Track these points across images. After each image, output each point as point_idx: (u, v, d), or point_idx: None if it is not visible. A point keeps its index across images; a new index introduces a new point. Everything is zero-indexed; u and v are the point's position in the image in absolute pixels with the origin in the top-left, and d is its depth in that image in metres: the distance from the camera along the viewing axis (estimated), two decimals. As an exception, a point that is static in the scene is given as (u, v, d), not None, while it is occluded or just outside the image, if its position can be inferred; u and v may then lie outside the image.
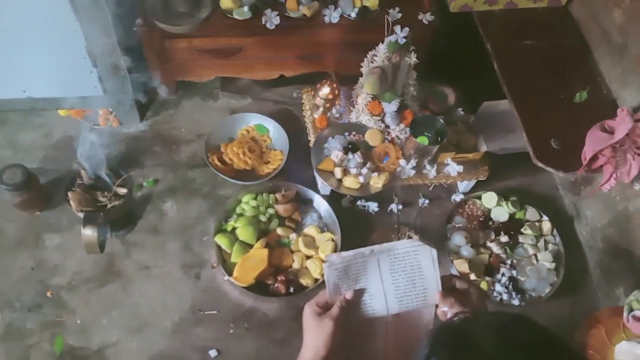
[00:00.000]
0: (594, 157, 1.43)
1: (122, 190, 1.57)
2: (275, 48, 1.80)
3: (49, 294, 1.53)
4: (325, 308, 0.93)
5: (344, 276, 0.95)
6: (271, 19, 1.70)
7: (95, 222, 1.44)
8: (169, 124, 1.92)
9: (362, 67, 1.66)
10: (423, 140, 1.59)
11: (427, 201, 1.78)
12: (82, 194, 1.52)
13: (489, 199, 1.75)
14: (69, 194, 1.52)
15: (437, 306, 0.93)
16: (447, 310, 0.90)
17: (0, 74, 1.67)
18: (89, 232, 1.43)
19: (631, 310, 1.28)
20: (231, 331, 1.51)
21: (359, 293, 0.95)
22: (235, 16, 1.72)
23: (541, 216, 1.74)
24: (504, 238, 1.67)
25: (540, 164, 1.47)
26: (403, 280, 0.95)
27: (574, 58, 1.69)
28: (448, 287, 0.93)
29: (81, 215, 1.49)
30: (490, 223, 1.72)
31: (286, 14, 1.73)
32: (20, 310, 1.50)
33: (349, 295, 0.93)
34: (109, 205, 1.54)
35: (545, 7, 1.81)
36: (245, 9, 1.71)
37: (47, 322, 1.49)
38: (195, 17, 1.70)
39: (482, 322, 0.67)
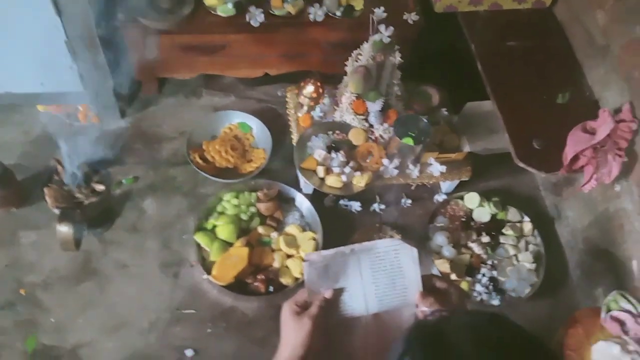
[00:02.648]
0: (575, 158, 1.44)
1: (100, 187, 1.54)
2: (259, 46, 1.78)
3: (22, 292, 1.49)
4: (304, 307, 0.92)
5: (324, 275, 0.94)
6: (255, 16, 1.69)
7: (71, 218, 1.41)
8: (151, 121, 1.89)
9: (346, 66, 1.66)
10: (408, 140, 1.59)
11: (409, 201, 1.78)
12: (58, 190, 1.48)
13: (471, 199, 1.75)
14: (45, 189, 1.49)
15: (417, 306, 0.93)
16: (427, 310, 0.89)
17: (-23, 69, 1.63)
18: (65, 229, 1.40)
19: (609, 310, 1.29)
20: (209, 330, 1.48)
21: (339, 292, 0.94)
22: (219, 13, 1.70)
23: (522, 217, 1.75)
24: (485, 238, 1.67)
25: (521, 164, 1.47)
26: (383, 279, 0.94)
27: (558, 59, 1.70)
28: (428, 286, 0.93)
29: (57, 211, 1.45)
30: (472, 223, 1.72)
31: (271, 12, 1.72)
32: (-7, 308, 1.46)
33: (328, 294, 0.92)
34: (86, 202, 1.51)
35: (529, 8, 1.82)
36: (229, 5, 1.69)
37: (20, 320, 1.45)
38: (178, 14, 1.68)
39: (457, 321, 0.67)
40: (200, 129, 1.82)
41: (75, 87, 1.72)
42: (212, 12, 1.70)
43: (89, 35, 1.57)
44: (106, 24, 1.62)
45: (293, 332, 0.89)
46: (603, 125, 1.41)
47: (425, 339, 0.63)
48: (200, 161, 1.74)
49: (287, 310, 0.92)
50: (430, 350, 0.61)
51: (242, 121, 1.87)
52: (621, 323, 1.25)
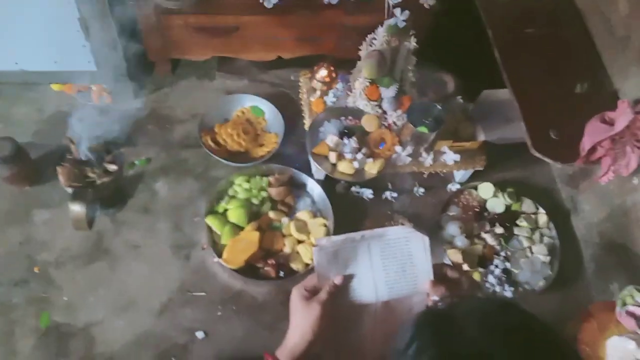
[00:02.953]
0: (593, 149, 1.41)
1: (112, 167, 1.54)
2: (273, 28, 1.76)
3: (36, 269, 1.51)
4: (313, 292, 0.92)
5: (334, 260, 0.93)
6: (270, -2, 1.66)
7: (84, 198, 1.42)
8: (164, 103, 1.89)
9: (360, 50, 1.63)
10: (421, 128, 1.57)
11: (422, 189, 1.76)
12: (71, 169, 1.49)
13: (485, 189, 1.73)
14: (58, 168, 1.49)
15: (428, 294, 0.92)
16: (437, 299, 0.88)
17: (-9, 45, 1.64)
18: (77, 208, 1.40)
19: (624, 305, 1.27)
20: (219, 313, 1.49)
21: (348, 278, 0.94)
22: (233, -6, 1.68)
23: (537, 209, 1.72)
24: (499, 229, 1.65)
25: (537, 154, 1.45)
26: (393, 267, 0.94)
27: (576, 48, 1.66)
28: (439, 275, 0.92)
29: (70, 190, 1.46)
30: (486, 214, 1.70)
31: (285, -7, 1.69)
32: (7, 284, 1.48)
33: (337, 280, 0.92)
34: (99, 182, 1.51)
35: (549, -5, 1.77)
36: (244, -14, 1.67)
37: (33, 297, 1.47)
38: (192, -6, 1.66)
39: (467, 307, 0.66)
40: (212, 112, 1.82)
41: (89, 66, 1.72)
42: (227, -7, 1.68)
43: (102, 13, 1.56)
44: (119, 2, 1.62)
45: (302, 317, 0.89)
46: (622, 116, 1.37)
47: (434, 323, 0.63)
48: (212, 144, 1.74)
49: (296, 295, 0.92)
50: (439, 334, 0.61)
51: (254, 105, 1.86)
52: (636, 318, 1.23)
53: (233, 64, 1.97)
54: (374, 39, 1.58)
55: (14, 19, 1.54)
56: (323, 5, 1.70)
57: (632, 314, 1.25)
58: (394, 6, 1.51)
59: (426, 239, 0.92)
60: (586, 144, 1.40)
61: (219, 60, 1.96)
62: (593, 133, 1.39)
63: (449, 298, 0.84)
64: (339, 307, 0.91)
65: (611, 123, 1.39)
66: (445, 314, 0.66)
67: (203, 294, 1.52)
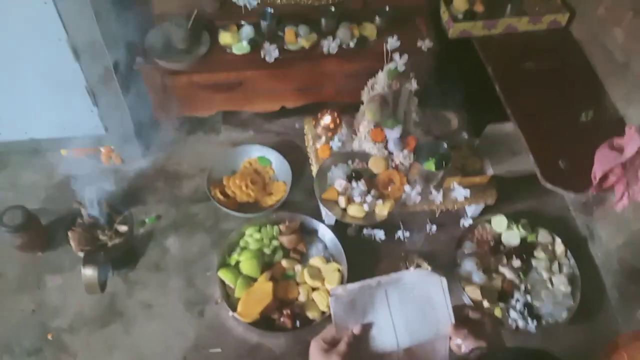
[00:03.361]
0: (605, 176, 1.40)
1: (123, 228, 1.55)
2: (275, 81, 1.80)
3: (49, 336, 1.49)
4: (332, 344, 0.89)
5: (351, 310, 0.91)
6: (270, 53, 1.71)
7: (96, 261, 1.41)
8: (171, 160, 1.91)
9: (362, 95, 1.65)
10: (429, 166, 1.57)
11: (435, 227, 1.74)
12: (82, 233, 1.49)
13: (498, 222, 1.71)
14: (69, 233, 1.50)
15: (450, 338, 0.89)
16: (461, 343, 0.85)
17: (1, 117, 1.67)
18: (90, 272, 1.40)
19: (654, 334, 1.22)
20: (237, 369, 1.46)
21: (368, 327, 0.91)
22: (234, 51, 1.72)
23: (554, 239, 1.69)
24: (516, 262, 1.62)
25: (548, 186, 1.44)
26: (412, 311, 0.91)
27: (578, 78, 1.68)
28: (461, 317, 0.89)
29: (82, 254, 1.46)
30: (502, 247, 1.67)
31: (285, 47, 1.73)
32: (20, 355, 1.46)
33: (356, 330, 0.89)
34: (110, 244, 1.51)
35: (545, 29, 1.81)
36: (244, 43, 1.72)
37: (47, 366, 1.44)
38: (194, 54, 1.71)
39: (501, 357, 0.64)
40: (220, 165, 1.83)
41: (97, 130, 1.75)
42: (228, 50, 1.73)
43: (108, 79, 1.61)
44: (124, 67, 1.66)
45: (322, 371, 0.86)
46: (631, 142, 1.37)
47: None
48: (221, 197, 1.74)
49: (315, 348, 0.89)
50: None
51: (261, 155, 1.87)
52: (668, 347, 1.18)
53: (238, 117, 2.01)
54: (375, 83, 1.60)
55: (23, 89, 1.59)
56: (322, 55, 1.75)
57: (664, 344, 1.20)
58: (393, 51, 1.54)
59: (444, 280, 0.90)
60: (597, 171, 1.39)
61: (224, 114, 1.99)
62: (603, 160, 1.39)
63: (478, 349, 0.81)
64: (360, 357, 0.88)
65: (620, 150, 1.38)
66: None
67: (219, 350, 1.48)
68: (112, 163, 1.86)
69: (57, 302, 1.55)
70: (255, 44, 1.72)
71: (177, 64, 1.69)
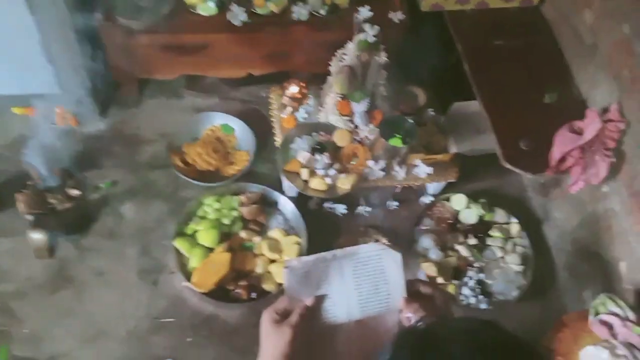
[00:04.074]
0: (563, 159, 1.42)
1: (75, 192, 1.49)
2: (242, 46, 1.74)
3: (-5, 302, 1.44)
4: (284, 315, 0.89)
5: (305, 282, 0.90)
6: (237, 16, 1.65)
7: (45, 225, 1.36)
8: (131, 124, 1.84)
9: (331, 66, 1.62)
10: (394, 141, 1.56)
11: (395, 203, 1.74)
12: (30, 196, 1.43)
13: (458, 201, 1.72)
14: (17, 195, 1.43)
15: (401, 311, 0.90)
16: (411, 316, 0.86)
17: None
18: (38, 236, 1.35)
19: (597, 313, 1.26)
20: (190, 339, 1.44)
21: (320, 299, 0.91)
22: (199, 12, 1.66)
23: (510, 218, 1.73)
24: (472, 241, 1.65)
25: (508, 166, 1.45)
26: (366, 285, 0.92)
27: (545, 58, 1.68)
28: (413, 292, 0.90)
29: (30, 218, 1.40)
30: (459, 225, 1.69)
31: (253, 10, 1.68)
32: (-37, 319, 1.41)
33: (309, 301, 0.89)
34: (60, 208, 1.46)
35: (517, 7, 1.80)
36: (211, 4, 1.65)
37: (-9, 331, 1.40)
38: (157, 12, 1.64)
39: (449, 326, 0.65)
40: (181, 131, 1.78)
41: (52, 88, 1.67)
42: (193, 10, 1.66)
43: (64, 35, 1.53)
44: (82, 23, 1.58)
45: (273, 341, 0.86)
46: (590, 125, 1.39)
47: (416, 344, 0.61)
48: (181, 164, 1.70)
49: (266, 319, 0.89)
50: (420, 355, 0.59)
51: (224, 123, 1.83)
52: (609, 327, 1.23)
53: (202, 82, 1.95)
54: (344, 54, 1.57)
55: (-28, 41, 1.49)
56: (292, 22, 1.70)
57: (605, 323, 1.24)
58: (364, 22, 1.51)
59: (398, 255, 0.90)
60: (556, 153, 1.41)
61: (187, 78, 1.93)
62: (562, 143, 1.40)
63: (426, 318, 0.82)
64: (311, 329, 0.88)
65: (580, 132, 1.40)
66: (427, 333, 0.64)
67: (172, 320, 1.46)
68: (67, 124, 1.77)
69: (4, 266, 1.50)
70: (222, 5, 1.66)
71: (138, 22, 1.61)
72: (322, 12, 1.71)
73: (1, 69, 1.58)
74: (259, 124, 1.84)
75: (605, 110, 1.44)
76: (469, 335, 0.61)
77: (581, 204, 1.60)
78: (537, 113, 1.55)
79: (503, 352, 0.59)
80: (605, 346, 1.19)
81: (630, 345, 1.19)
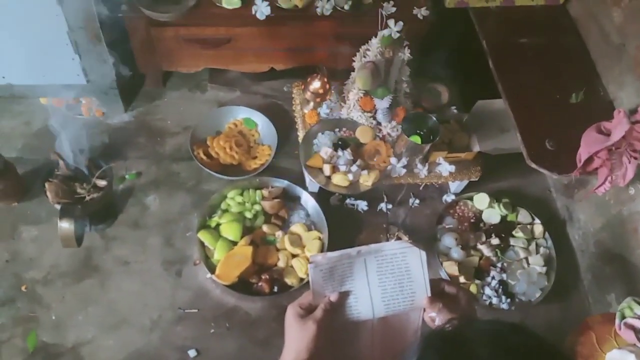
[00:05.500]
0: (589, 159, 1.40)
1: (102, 183, 1.51)
2: (265, 39, 1.75)
3: (23, 288, 1.47)
4: (308, 310, 0.89)
5: (329, 277, 0.91)
6: (261, 9, 1.65)
7: (73, 214, 1.38)
8: (154, 115, 1.86)
9: (354, 61, 1.62)
10: (416, 139, 1.55)
11: (417, 201, 1.74)
12: (59, 185, 1.46)
13: (480, 200, 1.71)
14: (46, 184, 1.46)
15: (424, 310, 0.90)
16: (435, 315, 0.86)
17: (-22, 59, 1.61)
18: (66, 225, 1.37)
19: (623, 317, 1.25)
20: (212, 330, 1.46)
21: (344, 295, 0.91)
22: (224, 5, 1.66)
23: (533, 219, 1.71)
24: (494, 240, 1.63)
25: (533, 165, 1.43)
26: (390, 282, 0.92)
27: (571, 57, 1.66)
28: (436, 291, 0.90)
29: (58, 207, 1.43)
30: (482, 225, 1.68)
31: (277, 4, 1.68)
32: (-7, 304, 1.44)
33: (333, 297, 0.90)
34: (88, 198, 1.48)
35: (542, 5, 1.77)
36: (235, -3, 1.66)
37: (20, 317, 1.43)
38: (182, 5, 1.64)
39: (476, 329, 0.65)
40: (204, 124, 1.79)
41: (78, 79, 1.69)
42: (217, 4, 1.67)
43: (91, 26, 1.54)
44: (109, 15, 1.59)
45: (297, 336, 0.87)
46: (618, 126, 1.36)
47: (443, 346, 0.61)
48: (204, 157, 1.71)
49: (291, 314, 0.89)
50: (447, 357, 0.59)
51: (247, 117, 1.83)
52: (636, 330, 1.21)
53: (225, 76, 1.96)
54: (368, 50, 1.56)
55: (2, 31, 1.51)
56: (316, 16, 1.69)
57: (631, 327, 1.23)
58: (388, 17, 1.50)
59: (423, 253, 0.90)
60: (583, 154, 1.39)
61: (210, 72, 1.94)
62: (589, 144, 1.38)
63: (453, 319, 0.82)
64: (335, 325, 0.89)
65: (607, 133, 1.38)
66: (454, 335, 0.64)
67: (195, 310, 1.48)
68: (93, 115, 1.80)
69: (32, 253, 1.53)
70: None
71: (163, 14, 1.62)
72: (346, 7, 1.70)
73: (29, 59, 1.60)
74: (281, 118, 1.85)
75: (633, 112, 1.41)
76: (496, 338, 0.61)
77: (606, 205, 1.58)
78: (563, 112, 1.53)
79: (531, 356, 0.58)
80: (631, 350, 1.17)
81: (655, 350, 1.18)
